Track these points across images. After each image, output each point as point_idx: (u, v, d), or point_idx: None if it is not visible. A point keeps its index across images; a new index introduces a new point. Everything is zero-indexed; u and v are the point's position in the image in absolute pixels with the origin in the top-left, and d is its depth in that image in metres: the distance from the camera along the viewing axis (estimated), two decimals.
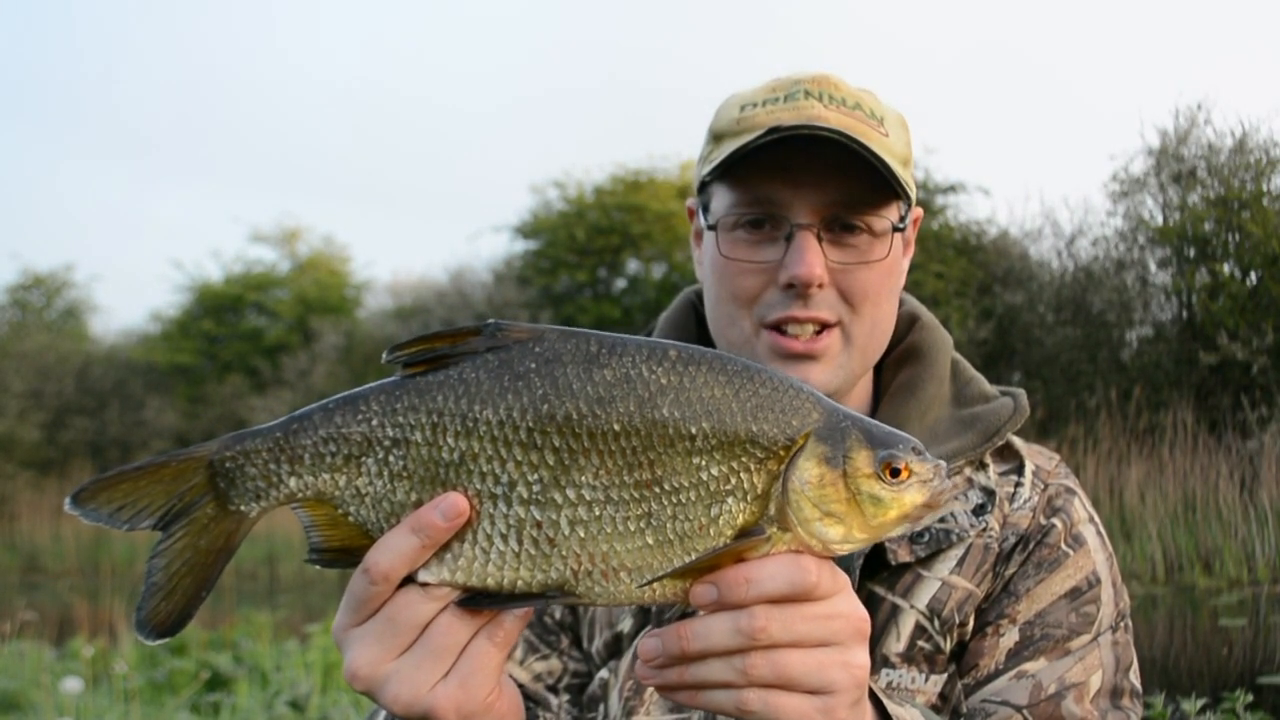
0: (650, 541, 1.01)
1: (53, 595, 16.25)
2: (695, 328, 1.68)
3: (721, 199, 1.55)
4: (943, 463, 1.05)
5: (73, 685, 5.91)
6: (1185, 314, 15.42)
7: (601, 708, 1.53)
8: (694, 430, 1.00)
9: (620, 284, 21.20)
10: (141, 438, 23.17)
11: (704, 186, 1.60)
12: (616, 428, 1.00)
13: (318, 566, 1.06)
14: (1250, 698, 4.66)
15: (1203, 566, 12.26)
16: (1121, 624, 1.52)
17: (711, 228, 1.55)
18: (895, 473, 1.02)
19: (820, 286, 1.48)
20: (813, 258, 1.46)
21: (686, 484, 1.01)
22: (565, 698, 1.58)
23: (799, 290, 1.47)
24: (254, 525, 1.07)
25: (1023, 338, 16.18)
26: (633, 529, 1.01)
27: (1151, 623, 9.82)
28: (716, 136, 1.55)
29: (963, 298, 16.04)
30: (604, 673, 1.55)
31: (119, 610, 10.99)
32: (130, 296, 54.10)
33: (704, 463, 1.01)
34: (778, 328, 1.50)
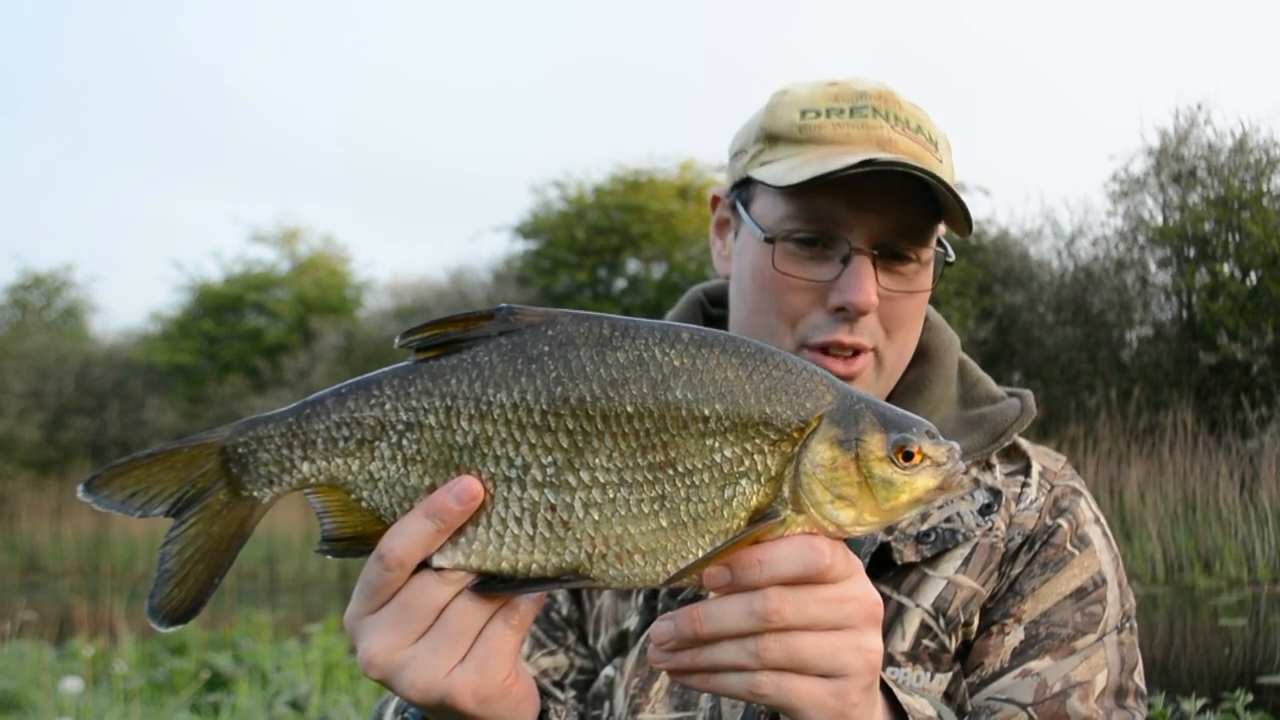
0: (664, 524, 1.01)
1: (53, 595, 16.24)
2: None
3: (774, 207, 1.51)
4: (956, 445, 1.05)
5: (73, 685, 5.90)
6: (1185, 314, 15.42)
7: (607, 705, 1.53)
8: (707, 412, 1.00)
9: (620, 284, 21.20)
10: (141, 438, 23.14)
11: (747, 182, 1.56)
12: (630, 410, 1.00)
13: (329, 556, 1.05)
14: (1250, 698, 4.66)
15: (1203, 566, 12.25)
16: (1127, 625, 1.52)
17: (770, 240, 1.50)
18: (908, 456, 1.02)
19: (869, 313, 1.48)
20: (870, 285, 1.45)
21: (700, 466, 1.01)
22: (571, 694, 1.58)
23: (849, 315, 1.46)
24: (266, 511, 1.07)
25: (1023, 338, 16.17)
26: (646, 511, 1.01)
27: (1151, 623, 9.82)
28: (771, 138, 1.52)
29: (963, 298, 16.03)
30: (610, 669, 1.55)
31: (119, 610, 10.99)
32: (130, 296, 54.09)
33: (717, 444, 1.00)
34: (821, 349, 1.49)
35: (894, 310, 1.49)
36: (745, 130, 1.58)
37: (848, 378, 1.48)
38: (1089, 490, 1.63)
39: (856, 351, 1.49)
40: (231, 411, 22.44)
